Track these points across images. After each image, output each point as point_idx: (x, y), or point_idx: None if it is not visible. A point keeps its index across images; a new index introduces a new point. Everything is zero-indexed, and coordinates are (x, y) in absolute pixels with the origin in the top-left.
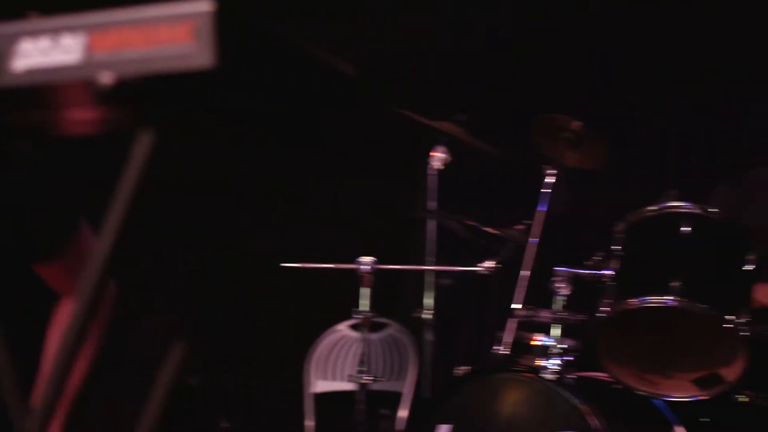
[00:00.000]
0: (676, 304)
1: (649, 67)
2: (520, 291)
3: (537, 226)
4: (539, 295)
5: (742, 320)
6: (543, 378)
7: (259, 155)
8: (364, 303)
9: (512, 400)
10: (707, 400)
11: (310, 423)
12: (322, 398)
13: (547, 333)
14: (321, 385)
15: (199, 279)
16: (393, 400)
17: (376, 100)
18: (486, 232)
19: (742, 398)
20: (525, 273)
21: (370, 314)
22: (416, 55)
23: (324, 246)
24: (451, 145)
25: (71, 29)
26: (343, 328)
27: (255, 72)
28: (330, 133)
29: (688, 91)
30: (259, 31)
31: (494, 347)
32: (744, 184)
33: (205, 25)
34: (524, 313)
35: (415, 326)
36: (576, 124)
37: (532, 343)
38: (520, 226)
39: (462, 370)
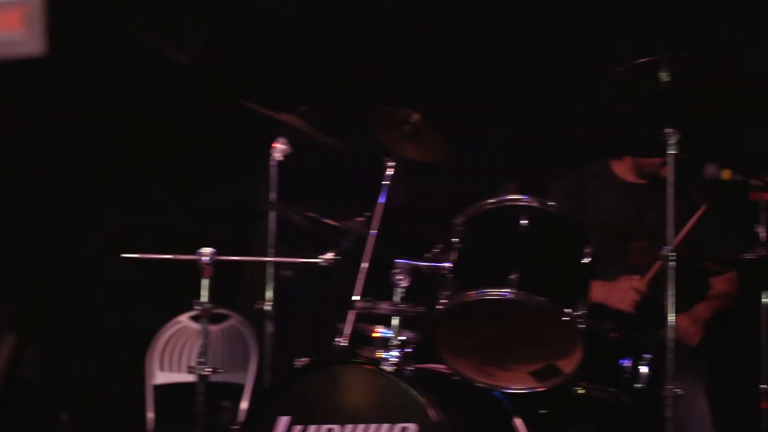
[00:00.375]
0: (513, 296)
1: (489, 61)
2: (360, 283)
3: (377, 218)
4: (382, 287)
5: (579, 313)
6: (383, 370)
7: (93, 145)
8: (205, 294)
9: (352, 392)
10: (546, 391)
11: (151, 415)
12: (165, 390)
13: (389, 325)
14: (162, 376)
15: (36, 270)
16: (235, 391)
17: (216, 90)
18: (326, 223)
19: (579, 390)
20: (365, 265)
21: (209, 305)
22: (258, 46)
23: (167, 237)
24: (293, 137)
25: None
26: (184, 319)
27: (87, 61)
28: (166, 123)
29: (526, 85)
30: (91, 20)
31: (335, 339)
32: (582, 178)
33: (35, 12)
34: (363, 304)
35: (257, 318)
36: (415, 117)
37: (373, 335)
38: (360, 218)
39: (302, 361)
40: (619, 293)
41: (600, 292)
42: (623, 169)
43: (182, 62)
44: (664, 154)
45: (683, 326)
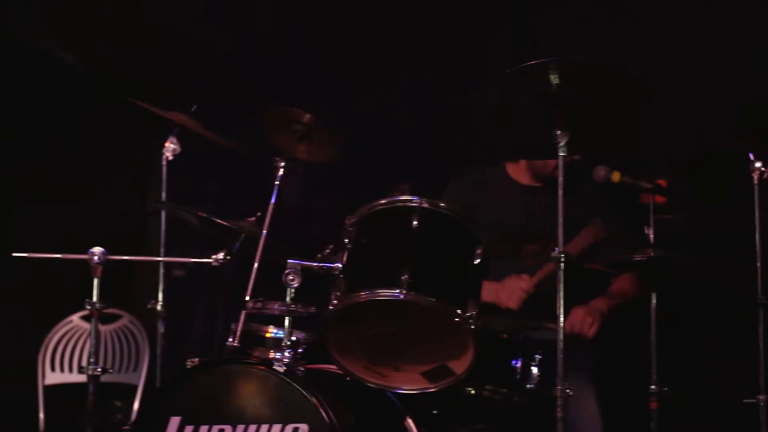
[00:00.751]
0: (404, 297)
1: (382, 64)
2: (251, 283)
3: (269, 218)
4: (277, 287)
5: (470, 313)
6: (274, 370)
7: None
8: (95, 294)
9: (244, 392)
10: (438, 392)
11: (42, 416)
12: (57, 390)
13: (282, 325)
14: (53, 377)
15: None
16: (128, 391)
17: (106, 89)
18: (217, 223)
19: (471, 391)
20: (256, 265)
21: (100, 305)
22: (149, 45)
23: (58, 237)
24: (183, 136)
25: None
26: (75, 319)
27: None
28: (55, 121)
29: (422, 86)
30: None
31: (228, 339)
32: (477, 178)
33: None
34: (254, 305)
35: (149, 317)
36: (307, 117)
37: (266, 335)
38: (251, 218)
39: (193, 361)
40: (507, 291)
41: (490, 292)
42: (518, 172)
43: (70, 62)
44: (554, 156)
45: (579, 317)
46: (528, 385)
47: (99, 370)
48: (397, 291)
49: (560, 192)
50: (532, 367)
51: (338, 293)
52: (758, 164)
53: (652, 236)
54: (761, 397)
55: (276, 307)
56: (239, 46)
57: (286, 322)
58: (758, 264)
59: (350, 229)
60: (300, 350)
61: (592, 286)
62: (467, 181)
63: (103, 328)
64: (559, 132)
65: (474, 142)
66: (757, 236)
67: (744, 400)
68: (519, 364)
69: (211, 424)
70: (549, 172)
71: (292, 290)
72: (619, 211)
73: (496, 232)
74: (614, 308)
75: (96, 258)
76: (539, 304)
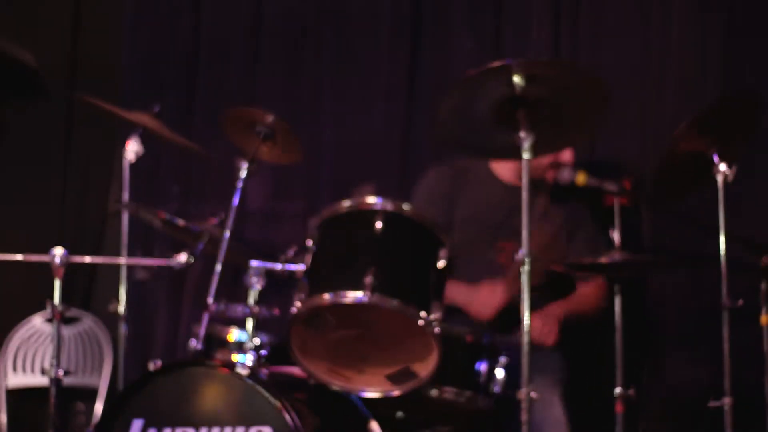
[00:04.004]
0: (367, 300)
1: (348, 59)
2: (214, 285)
3: (232, 219)
4: (240, 289)
5: (434, 316)
6: (237, 373)
7: None
8: (57, 295)
9: (207, 395)
10: (402, 395)
11: (3, 418)
12: (19, 393)
13: (245, 327)
14: (15, 379)
15: None
16: (90, 394)
17: (67, 89)
18: (180, 225)
19: (435, 394)
20: (218, 267)
21: (61, 307)
22: (110, 45)
23: (21, 238)
24: (145, 137)
25: None
26: (37, 320)
27: None
28: (16, 122)
29: (389, 86)
30: None
31: (192, 341)
32: (458, 170)
33: None
34: (216, 307)
35: (111, 319)
36: (269, 118)
37: (230, 337)
38: (214, 220)
39: (156, 364)
40: (481, 303)
41: (462, 296)
42: (503, 169)
43: (29, 62)
44: (519, 158)
45: (537, 326)
46: (493, 388)
47: (61, 372)
48: (361, 293)
49: (524, 194)
50: (497, 370)
51: (301, 295)
52: (722, 166)
53: (617, 239)
54: (726, 401)
55: (239, 309)
56: (202, 46)
57: (249, 325)
58: (723, 267)
59: (313, 231)
60: (263, 352)
61: (557, 289)
62: (448, 171)
63: (64, 330)
64: (523, 134)
65: (440, 142)
66: (722, 239)
67: (710, 404)
68: (484, 367)
69: (173, 426)
70: (539, 174)
71: (256, 292)
72: (587, 214)
73: (473, 227)
74: (572, 313)
75: (57, 259)
76: (510, 314)
